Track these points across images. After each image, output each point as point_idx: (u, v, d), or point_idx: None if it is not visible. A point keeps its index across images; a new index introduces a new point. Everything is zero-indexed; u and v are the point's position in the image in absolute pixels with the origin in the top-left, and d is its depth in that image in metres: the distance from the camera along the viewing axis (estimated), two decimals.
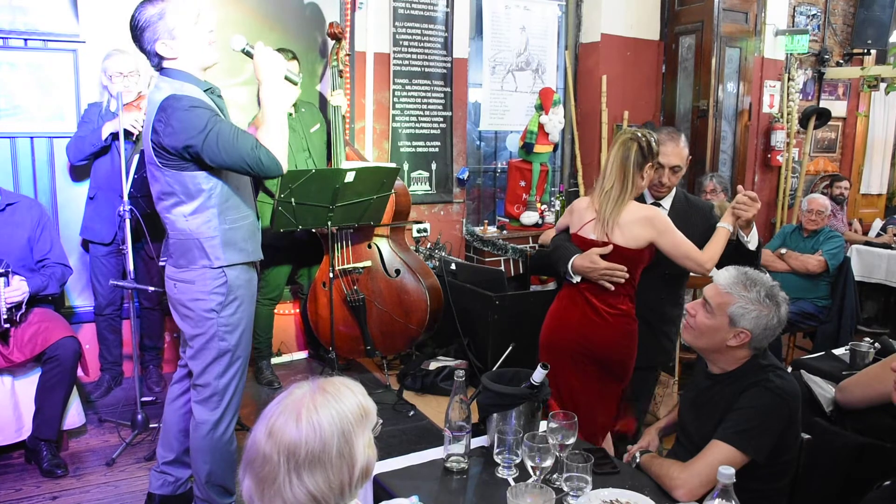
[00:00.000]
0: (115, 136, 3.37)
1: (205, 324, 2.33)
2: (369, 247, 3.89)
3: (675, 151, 2.70)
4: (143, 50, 2.25)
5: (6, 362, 2.90)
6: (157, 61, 2.26)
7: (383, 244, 3.91)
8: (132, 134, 3.35)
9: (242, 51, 2.28)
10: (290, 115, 3.87)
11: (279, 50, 3.76)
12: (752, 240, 2.60)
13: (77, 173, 3.80)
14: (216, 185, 2.27)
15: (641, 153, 2.49)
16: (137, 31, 2.21)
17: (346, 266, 3.80)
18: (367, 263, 3.86)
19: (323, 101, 4.38)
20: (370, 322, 3.90)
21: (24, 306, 2.91)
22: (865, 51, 6.54)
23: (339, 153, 3.91)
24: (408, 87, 4.74)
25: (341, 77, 4.08)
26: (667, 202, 2.80)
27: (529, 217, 4.96)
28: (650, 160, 2.52)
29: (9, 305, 2.84)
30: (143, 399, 3.38)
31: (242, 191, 2.39)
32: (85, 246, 3.74)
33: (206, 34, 2.25)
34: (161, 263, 2.56)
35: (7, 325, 2.86)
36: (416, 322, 3.86)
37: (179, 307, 2.38)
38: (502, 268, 4.52)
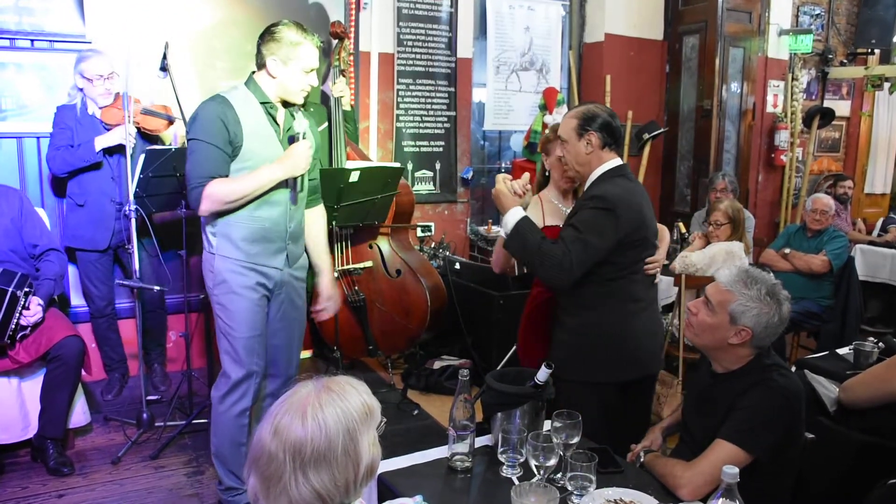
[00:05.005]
0: (106, 149, 3.40)
1: (210, 297, 2.56)
2: (370, 247, 3.89)
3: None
4: (259, 49, 2.43)
5: (13, 363, 2.91)
6: (259, 62, 2.44)
7: (384, 244, 3.91)
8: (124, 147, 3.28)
9: (295, 134, 2.47)
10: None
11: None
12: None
13: (58, 182, 3.67)
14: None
15: None
16: (268, 36, 2.39)
17: (346, 267, 3.81)
18: (368, 264, 3.86)
19: (326, 100, 4.38)
20: (371, 322, 3.90)
21: (28, 329, 2.91)
22: (869, 50, 6.52)
23: (341, 153, 3.90)
24: (412, 87, 4.74)
25: (344, 76, 4.08)
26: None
27: None
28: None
29: (23, 324, 2.85)
30: (149, 398, 3.38)
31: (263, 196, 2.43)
32: (69, 253, 3.49)
33: (306, 84, 2.46)
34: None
35: (8, 341, 2.84)
36: (416, 322, 3.85)
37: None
38: None
